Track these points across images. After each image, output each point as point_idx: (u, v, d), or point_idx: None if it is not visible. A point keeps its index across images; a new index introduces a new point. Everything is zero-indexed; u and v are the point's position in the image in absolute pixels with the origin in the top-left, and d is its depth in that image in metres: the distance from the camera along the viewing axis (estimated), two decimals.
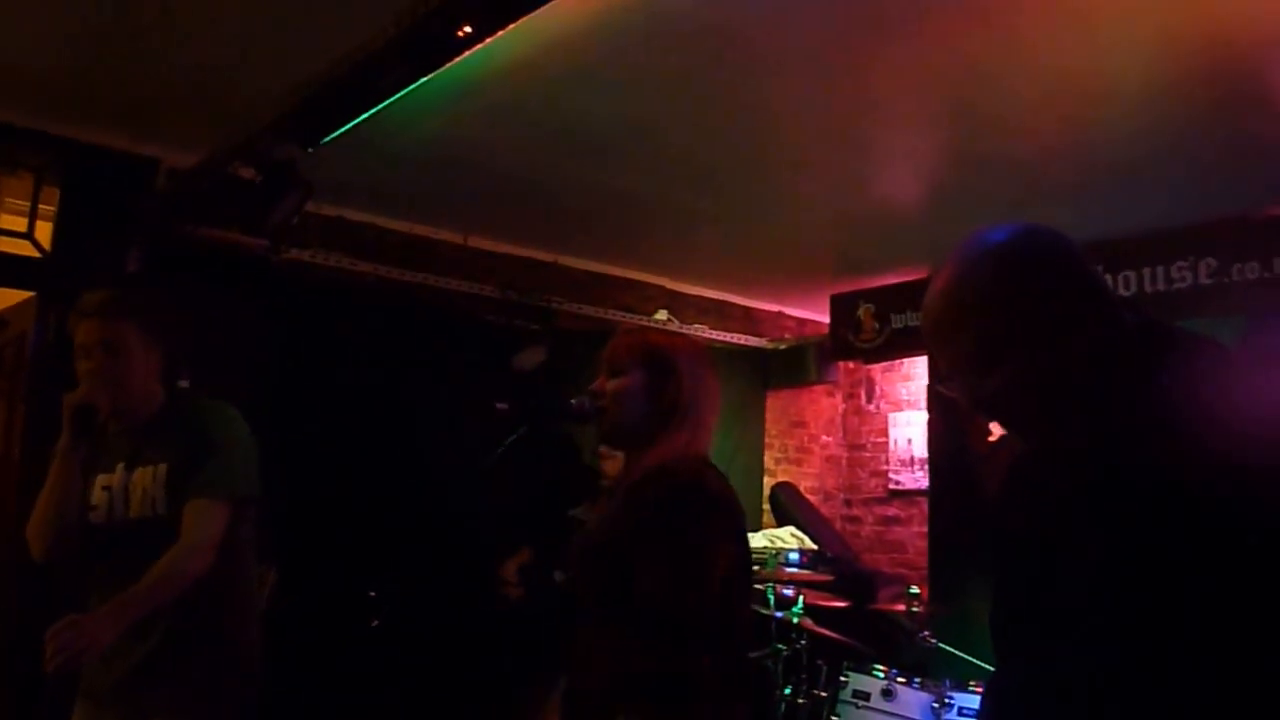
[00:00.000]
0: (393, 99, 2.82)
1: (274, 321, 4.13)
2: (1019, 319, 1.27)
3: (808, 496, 6.06)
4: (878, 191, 4.26)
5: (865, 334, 5.61)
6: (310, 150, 3.16)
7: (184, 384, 2.87)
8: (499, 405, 3.07)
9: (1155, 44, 2.90)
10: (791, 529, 5.57)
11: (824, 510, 6.12)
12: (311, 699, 3.56)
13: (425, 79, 2.70)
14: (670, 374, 1.94)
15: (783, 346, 6.12)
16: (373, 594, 3.08)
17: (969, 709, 3.56)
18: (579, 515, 3.71)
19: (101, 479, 2.39)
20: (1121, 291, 4.53)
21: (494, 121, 3.55)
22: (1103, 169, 3.84)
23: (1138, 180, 3.93)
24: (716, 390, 2.01)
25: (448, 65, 2.61)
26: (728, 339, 5.82)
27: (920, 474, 5.78)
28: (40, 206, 3.85)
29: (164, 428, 2.47)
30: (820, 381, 6.19)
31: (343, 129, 3.03)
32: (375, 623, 3.03)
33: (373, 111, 2.90)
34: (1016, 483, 1.48)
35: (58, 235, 3.82)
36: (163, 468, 2.40)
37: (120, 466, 2.40)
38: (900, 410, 6.06)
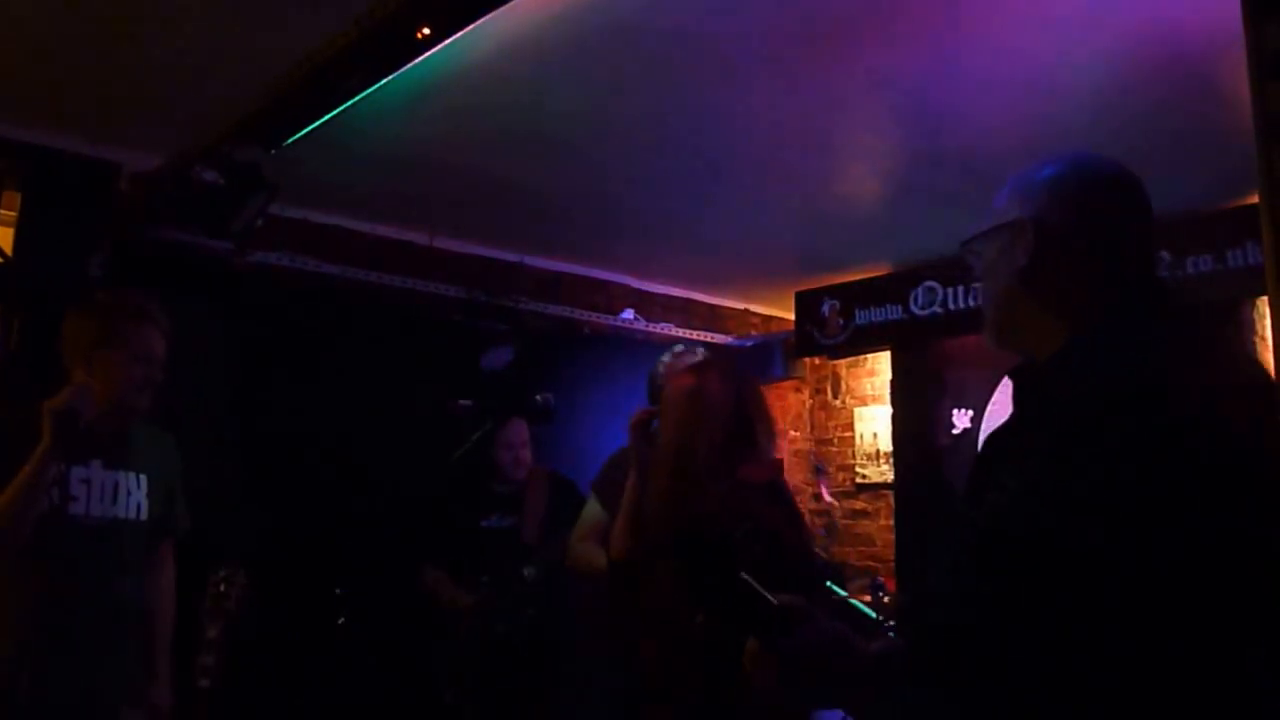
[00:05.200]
0: (354, 100, 2.84)
1: (240, 324, 4.13)
2: (1088, 222, 1.35)
3: None
4: (839, 190, 4.32)
5: (830, 330, 5.69)
6: (273, 152, 3.18)
7: None
8: (461, 402, 3.11)
9: (1109, 41, 2.97)
10: None
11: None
12: (281, 696, 3.57)
13: (386, 80, 2.73)
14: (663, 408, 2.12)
15: (749, 344, 6.19)
16: (339, 591, 3.10)
17: None
18: (493, 525, 3.71)
19: (77, 471, 2.45)
20: None
21: (458, 123, 3.57)
22: None
23: None
24: (711, 406, 2.09)
25: (408, 66, 2.64)
26: (694, 337, 5.87)
27: (886, 467, 5.86)
28: (1, 212, 3.83)
29: (140, 438, 2.60)
30: (787, 377, 6.26)
31: (305, 131, 3.05)
32: (341, 620, 3.05)
33: (335, 113, 2.93)
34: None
35: (19, 241, 3.79)
36: (144, 478, 2.54)
37: (97, 464, 2.48)
38: (865, 405, 6.14)
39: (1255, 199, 1.06)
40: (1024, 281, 1.36)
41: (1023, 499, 1.18)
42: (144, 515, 2.59)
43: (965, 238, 1.48)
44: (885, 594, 4.11)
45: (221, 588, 2.55)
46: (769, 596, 1.25)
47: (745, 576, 1.26)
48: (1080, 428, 1.14)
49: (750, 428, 2.12)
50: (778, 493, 2.09)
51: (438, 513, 3.67)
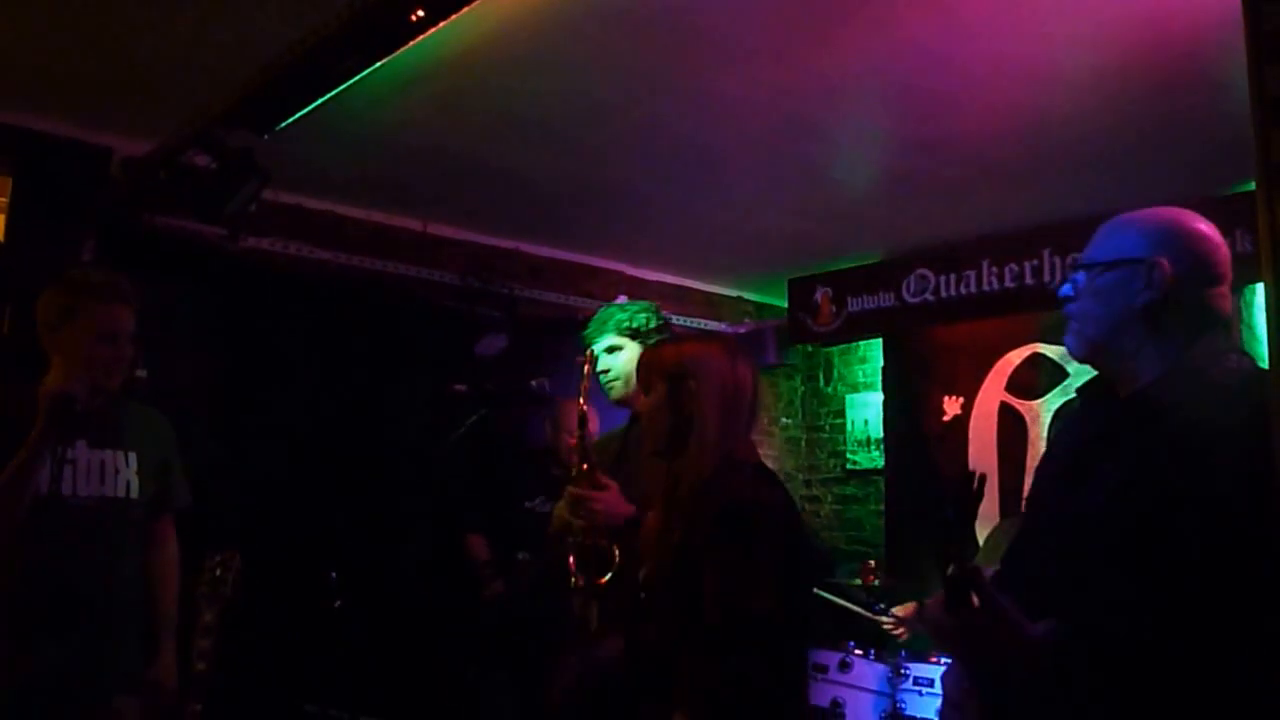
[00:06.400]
0: (348, 84, 2.83)
1: (233, 310, 4.12)
2: (1201, 274, 1.59)
3: None
4: (832, 177, 4.32)
5: (822, 318, 5.70)
6: (265, 137, 3.16)
7: (142, 374, 2.91)
8: (457, 387, 3.11)
9: (1099, 27, 2.98)
10: None
11: None
12: (277, 681, 3.58)
13: (380, 63, 2.72)
14: (683, 383, 1.99)
15: (742, 331, 6.20)
16: (334, 575, 3.11)
17: (924, 678, 3.66)
18: (535, 508, 3.75)
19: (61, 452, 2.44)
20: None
21: (452, 108, 3.56)
22: (1051, 152, 3.93)
23: (1087, 163, 4.03)
24: (746, 387, 2.02)
25: (402, 49, 2.63)
26: (688, 324, 5.88)
27: (876, 454, 5.88)
28: None
29: (129, 416, 2.58)
30: (779, 365, 6.28)
31: (298, 115, 3.03)
32: (337, 603, 3.06)
33: (328, 97, 2.91)
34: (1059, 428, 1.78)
35: (11, 226, 3.78)
36: (133, 455, 2.51)
37: (82, 444, 2.46)
38: (857, 392, 6.16)
39: (1245, 188, 1.11)
40: (1142, 315, 1.57)
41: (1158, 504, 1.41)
42: (135, 493, 2.57)
43: (1082, 261, 1.68)
44: (875, 577, 4.14)
45: (217, 572, 2.56)
46: (957, 566, 1.43)
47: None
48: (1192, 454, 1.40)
49: (756, 409, 2.08)
50: (767, 471, 2.07)
51: (477, 489, 3.69)
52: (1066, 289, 1.69)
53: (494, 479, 3.78)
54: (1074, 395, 4.90)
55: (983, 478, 1.56)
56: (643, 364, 2.13)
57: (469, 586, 3.66)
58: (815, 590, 4.00)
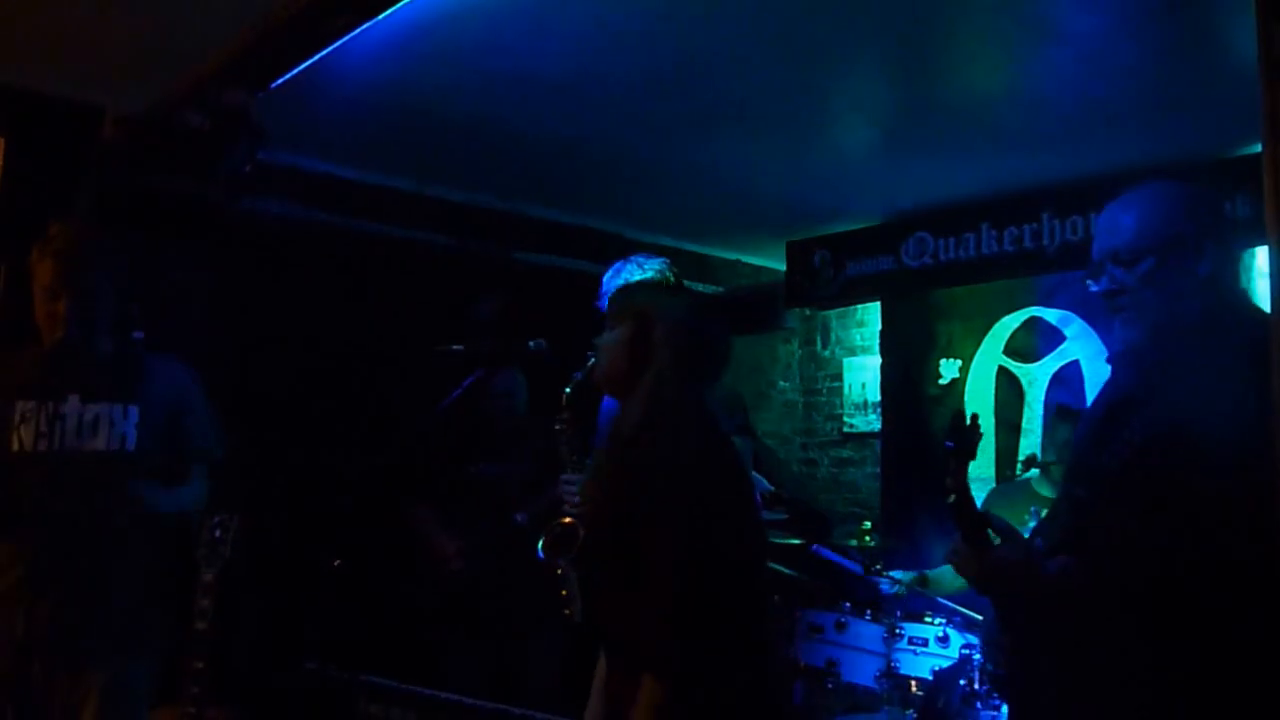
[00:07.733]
0: (341, 41, 2.80)
1: (228, 271, 4.10)
2: (1230, 239, 1.71)
3: (764, 441, 6.17)
4: (831, 139, 4.29)
5: (821, 281, 5.69)
6: (259, 95, 3.13)
7: (138, 334, 2.89)
8: (454, 347, 3.11)
9: None
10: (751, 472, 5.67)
11: (780, 454, 6.24)
12: (277, 639, 3.61)
13: (375, 19, 2.69)
14: (648, 326, 1.98)
15: (739, 294, 6.18)
16: (334, 535, 3.13)
17: (919, 638, 3.69)
18: (481, 473, 3.73)
19: (51, 408, 2.43)
20: (1070, 236, 4.65)
21: (447, 67, 3.52)
22: (1052, 114, 3.90)
23: (1088, 125, 3.99)
24: (713, 347, 2.03)
25: (396, 5, 2.60)
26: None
27: (873, 417, 5.90)
28: None
29: (136, 368, 2.56)
30: (777, 328, 6.27)
31: (292, 72, 3.00)
32: (337, 562, 3.08)
33: (322, 54, 2.88)
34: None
35: (4, 186, 3.74)
36: (134, 408, 2.49)
37: (74, 398, 2.45)
38: (854, 355, 6.16)
39: (1247, 151, 1.10)
40: (1206, 285, 1.68)
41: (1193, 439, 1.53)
42: (131, 446, 2.51)
43: (1123, 255, 1.73)
44: (870, 539, 4.16)
45: (216, 533, 2.57)
46: (959, 494, 1.60)
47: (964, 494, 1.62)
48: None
49: (718, 371, 2.13)
50: (716, 432, 2.06)
51: (427, 455, 3.69)
52: (1105, 284, 1.75)
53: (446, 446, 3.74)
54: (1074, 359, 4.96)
55: (975, 415, 1.68)
56: (615, 300, 2.13)
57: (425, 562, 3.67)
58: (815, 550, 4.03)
